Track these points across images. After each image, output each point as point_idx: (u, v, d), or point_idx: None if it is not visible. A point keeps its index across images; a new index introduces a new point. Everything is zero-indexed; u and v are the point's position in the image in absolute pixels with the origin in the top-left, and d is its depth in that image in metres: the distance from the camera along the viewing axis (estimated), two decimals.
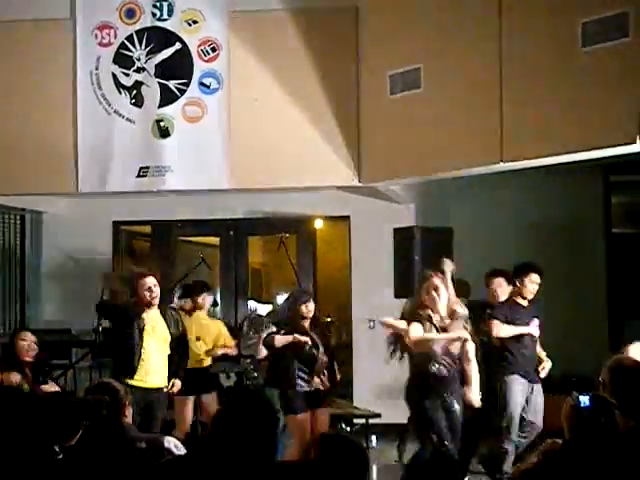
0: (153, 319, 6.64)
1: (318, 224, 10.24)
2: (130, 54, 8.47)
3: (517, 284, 7.01)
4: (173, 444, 4.50)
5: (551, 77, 6.75)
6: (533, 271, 6.99)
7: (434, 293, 6.13)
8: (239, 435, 3.03)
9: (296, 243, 10.09)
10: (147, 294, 6.57)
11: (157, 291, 6.62)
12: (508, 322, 6.90)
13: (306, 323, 6.71)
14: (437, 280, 6.19)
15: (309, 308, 6.67)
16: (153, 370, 6.56)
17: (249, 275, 10.40)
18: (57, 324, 9.57)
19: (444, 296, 6.18)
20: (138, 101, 8.46)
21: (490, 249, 9.95)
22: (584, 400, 4.20)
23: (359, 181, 8.37)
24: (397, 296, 8.56)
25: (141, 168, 8.46)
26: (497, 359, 6.90)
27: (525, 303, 7.02)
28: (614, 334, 9.02)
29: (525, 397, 6.89)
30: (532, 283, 6.96)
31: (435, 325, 6.12)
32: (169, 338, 6.66)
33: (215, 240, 10.42)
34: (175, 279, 9.80)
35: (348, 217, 9.77)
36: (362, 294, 9.38)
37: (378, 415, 8.19)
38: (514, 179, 8.97)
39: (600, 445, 3.47)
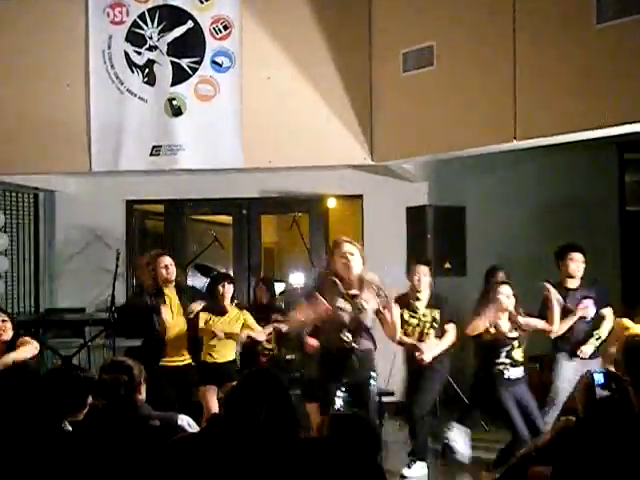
0: (170, 296, 7.17)
1: (331, 203, 10.24)
2: (142, 32, 8.43)
3: (561, 266, 7.11)
4: (186, 422, 4.52)
5: (565, 54, 6.69)
6: (573, 250, 7.10)
7: (349, 257, 5.86)
8: (251, 413, 3.04)
9: (309, 222, 10.09)
10: (163, 272, 7.10)
11: (173, 269, 7.15)
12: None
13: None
14: (350, 246, 5.93)
15: None
16: (177, 347, 7.13)
17: (262, 254, 10.41)
18: (71, 303, 9.63)
19: (357, 263, 5.92)
20: (150, 80, 8.44)
21: (503, 227, 9.94)
22: (598, 378, 4.20)
23: (372, 160, 8.34)
24: None
25: (154, 147, 8.44)
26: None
27: (574, 284, 7.08)
28: (629, 311, 8.99)
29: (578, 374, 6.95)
30: (574, 262, 7.06)
31: (342, 293, 5.84)
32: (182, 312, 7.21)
33: (228, 219, 10.43)
34: (188, 258, 9.85)
35: (361, 196, 9.76)
36: (375, 273, 9.36)
37: (391, 393, 8.20)
38: (528, 157, 8.94)
39: (613, 422, 3.47)
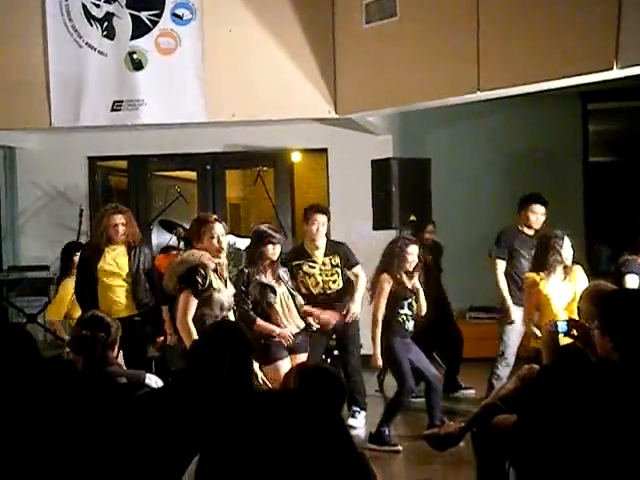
0: (114, 255, 6.59)
1: (296, 157, 10.19)
2: None
3: (522, 214, 7.15)
4: (154, 381, 4.50)
5: (528, 5, 6.67)
6: (535, 202, 7.12)
7: (220, 239, 5.70)
8: (214, 365, 3.03)
9: (274, 176, 10.05)
10: (111, 230, 6.51)
11: (122, 230, 6.53)
12: (509, 248, 7.08)
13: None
14: (220, 226, 5.75)
15: (275, 250, 6.41)
16: (110, 305, 6.46)
17: (227, 209, 10.34)
18: (34, 261, 9.54)
19: (225, 243, 5.77)
20: (110, 33, 8.28)
21: (468, 178, 9.99)
22: (561, 325, 4.25)
23: (336, 112, 8.29)
24: (375, 228, 8.57)
25: (115, 102, 8.31)
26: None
27: (530, 232, 7.11)
28: (592, 262, 9.10)
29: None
30: (534, 214, 7.09)
31: (219, 274, 5.69)
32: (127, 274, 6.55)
33: (192, 175, 10.36)
34: (152, 214, 9.78)
35: (325, 149, 9.72)
36: (340, 226, 9.36)
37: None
38: (492, 109, 8.94)
39: (576, 369, 3.50)
